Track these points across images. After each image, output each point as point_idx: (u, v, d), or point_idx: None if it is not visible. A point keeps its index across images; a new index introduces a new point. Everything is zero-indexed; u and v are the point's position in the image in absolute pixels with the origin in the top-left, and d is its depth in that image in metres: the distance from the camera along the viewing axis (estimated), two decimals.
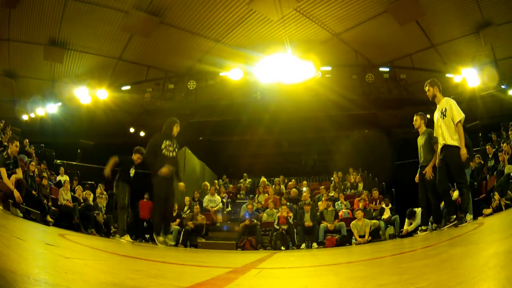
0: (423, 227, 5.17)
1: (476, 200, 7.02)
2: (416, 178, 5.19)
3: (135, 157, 6.22)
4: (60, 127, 12.85)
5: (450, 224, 4.51)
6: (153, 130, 13.50)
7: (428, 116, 5.64)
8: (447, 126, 4.43)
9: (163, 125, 5.43)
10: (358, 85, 11.02)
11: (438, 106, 4.64)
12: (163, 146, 5.14)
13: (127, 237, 6.01)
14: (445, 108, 4.48)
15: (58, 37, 10.02)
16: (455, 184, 4.82)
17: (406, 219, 7.29)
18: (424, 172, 4.93)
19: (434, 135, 4.72)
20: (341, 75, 11.02)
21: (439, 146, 4.59)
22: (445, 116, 4.45)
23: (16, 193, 5.50)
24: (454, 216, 4.50)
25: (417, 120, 5.30)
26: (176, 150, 5.31)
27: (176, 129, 5.38)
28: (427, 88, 4.72)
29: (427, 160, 5.00)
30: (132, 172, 6.23)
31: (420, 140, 5.25)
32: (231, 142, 13.94)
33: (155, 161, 5.11)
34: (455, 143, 4.35)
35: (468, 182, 5.19)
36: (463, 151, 4.25)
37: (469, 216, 4.68)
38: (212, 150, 14.03)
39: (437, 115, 4.63)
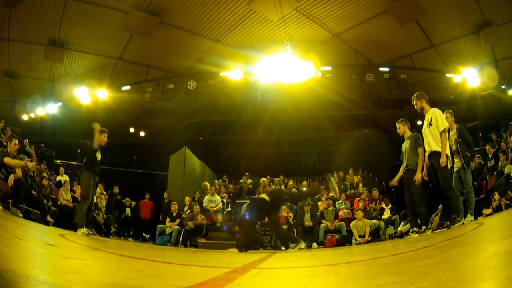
0: (415, 229, 5.17)
1: (476, 200, 7.01)
2: (395, 181, 5.41)
3: (103, 137, 6.00)
4: (60, 127, 12.84)
5: (442, 228, 4.57)
6: (153, 130, 13.62)
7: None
8: (432, 135, 4.65)
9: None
10: (358, 85, 11.02)
11: (425, 116, 4.83)
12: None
13: (84, 229, 5.59)
14: (431, 118, 4.69)
15: (58, 37, 10.02)
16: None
17: (402, 220, 7.31)
18: (414, 179, 4.98)
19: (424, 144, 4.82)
20: (341, 75, 11.02)
21: (426, 154, 4.76)
22: (431, 125, 4.67)
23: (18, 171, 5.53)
24: (454, 216, 4.51)
25: (400, 127, 5.38)
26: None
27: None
28: (414, 102, 4.90)
29: (413, 163, 5.07)
30: (98, 156, 5.91)
31: (405, 144, 5.28)
32: (231, 142, 13.91)
33: None
34: (439, 149, 4.56)
35: (468, 184, 5.21)
36: (443, 159, 4.46)
37: (469, 217, 4.69)
38: (212, 150, 14.00)
39: (424, 125, 4.83)
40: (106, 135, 6.02)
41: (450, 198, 4.60)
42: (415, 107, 4.91)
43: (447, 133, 4.62)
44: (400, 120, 5.47)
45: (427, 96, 4.91)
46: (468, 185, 5.22)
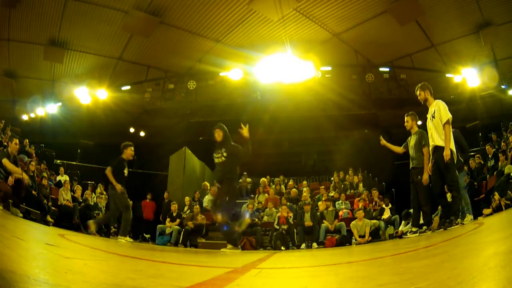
0: (413, 229, 5.11)
1: (476, 200, 7.02)
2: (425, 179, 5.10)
3: (128, 152, 6.06)
4: (60, 127, 12.85)
5: (441, 227, 4.50)
6: (153, 130, 13.62)
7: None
8: (435, 128, 4.42)
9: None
10: (358, 85, 11.02)
11: (429, 109, 4.63)
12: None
13: (128, 238, 5.99)
14: (434, 110, 4.47)
15: (58, 37, 10.02)
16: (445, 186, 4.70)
17: (402, 220, 7.30)
18: (418, 177, 4.90)
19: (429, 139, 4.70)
20: (341, 75, 11.02)
21: (430, 148, 4.57)
22: (434, 118, 4.44)
23: (18, 171, 5.56)
24: (452, 218, 4.46)
25: (409, 121, 5.18)
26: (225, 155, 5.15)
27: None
28: (418, 92, 4.70)
29: (417, 161, 4.98)
30: (126, 171, 6.04)
31: (411, 141, 5.16)
32: None
33: None
34: (443, 144, 4.30)
35: (459, 184, 5.15)
36: (447, 152, 4.21)
37: (469, 217, 4.64)
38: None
39: (428, 118, 4.62)
40: (133, 149, 6.11)
41: (453, 199, 4.43)
42: (419, 97, 4.69)
43: (451, 125, 4.35)
44: (410, 113, 5.25)
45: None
46: (460, 187, 5.19)
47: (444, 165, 4.30)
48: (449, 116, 4.34)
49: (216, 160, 5.26)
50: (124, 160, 6.00)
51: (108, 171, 5.83)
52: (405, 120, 5.23)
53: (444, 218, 4.61)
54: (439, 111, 4.39)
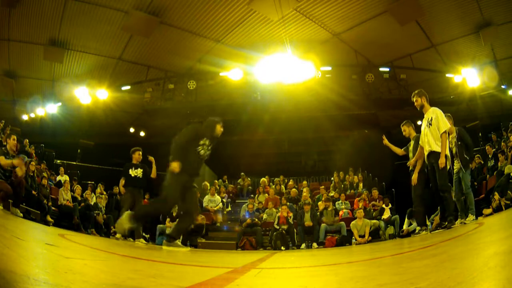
0: (422, 228, 5.20)
1: (476, 200, 7.01)
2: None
3: (136, 155, 6.45)
4: (60, 127, 12.85)
5: (440, 228, 4.55)
6: (153, 130, 13.62)
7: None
8: (432, 134, 4.61)
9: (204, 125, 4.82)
10: (358, 85, 11.02)
11: (425, 115, 4.79)
12: (201, 142, 4.56)
13: (142, 240, 6.11)
14: (431, 118, 4.64)
15: (58, 37, 10.02)
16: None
17: (406, 219, 7.31)
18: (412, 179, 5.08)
19: (420, 143, 4.88)
20: (341, 75, 11.02)
21: (425, 153, 4.74)
22: (431, 125, 4.62)
23: (20, 171, 5.52)
24: (451, 218, 4.51)
25: (406, 130, 5.50)
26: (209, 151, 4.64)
27: (219, 130, 4.80)
28: (415, 98, 4.87)
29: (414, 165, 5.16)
30: (133, 172, 6.34)
31: (410, 146, 5.44)
32: (231, 142, 13.91)
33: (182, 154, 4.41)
34: (439, 149, 4.52)
35: (466, 183, 5.20)
36: (442, 160, 4.42)
37: (471, 217, 4.66)
38: (212, 150, 13.99)
39: (423, 124, 4.79)
40: (140, 153, 6.55)
41: (446, 200, 4.59)
42: (415, 103, 4.86)
43: (447, 134, 4.57)
44: (404, 122, 5.55)
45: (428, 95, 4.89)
46: (466, 186, 5.25)
47: (438, 170, 4.48)
48: (448, 126, 4.58)
49: (202, 152, 4.55)
50: (131, 164, 6.42)
51: (120, 180, 6.49)
52: (402, 130, 5.55)
53: (442, 219, 4.67)
54: (437, 120, 4.58)
